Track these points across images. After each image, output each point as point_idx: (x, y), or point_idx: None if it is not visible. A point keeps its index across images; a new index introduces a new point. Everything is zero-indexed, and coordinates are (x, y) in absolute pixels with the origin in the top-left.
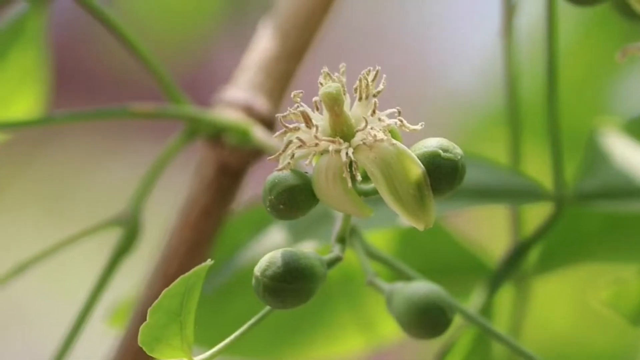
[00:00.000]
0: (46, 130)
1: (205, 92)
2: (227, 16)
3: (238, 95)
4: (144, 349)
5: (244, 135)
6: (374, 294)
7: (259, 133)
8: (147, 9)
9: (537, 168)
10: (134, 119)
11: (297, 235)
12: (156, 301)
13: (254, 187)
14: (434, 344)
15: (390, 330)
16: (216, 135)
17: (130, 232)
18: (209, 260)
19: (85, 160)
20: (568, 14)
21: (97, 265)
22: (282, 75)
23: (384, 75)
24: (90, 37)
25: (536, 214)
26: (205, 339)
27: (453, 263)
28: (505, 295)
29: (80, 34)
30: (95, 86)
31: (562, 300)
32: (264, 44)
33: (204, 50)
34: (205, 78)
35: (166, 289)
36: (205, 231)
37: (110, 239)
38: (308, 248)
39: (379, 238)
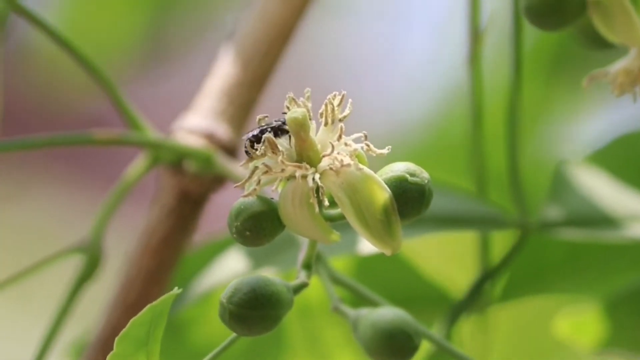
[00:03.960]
0: None
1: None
2: (144, 51)
3: (199, 122)
4: None
5: (205, 162)
6: (332, 324)
7: (220, 160)
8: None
9: (504, 199)
10: (96, 145)
11: (257, 261)
12: (123, 330)
13: (215, 215)
14: None
15: None
16: (177, 162)
17: (92, 259)
18: (176, 288)
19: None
20: (533, 37)
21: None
22: (244, 102)
23: (350, 100)
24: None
25: (506, 243)
26: None
27: (414, 292)
28: (469, 324)
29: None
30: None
31: (525, 330)
32: (225, 70)
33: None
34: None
35: (134, 318)
36: (165, 259)
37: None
38: (269, 274)
39: (339, 266)
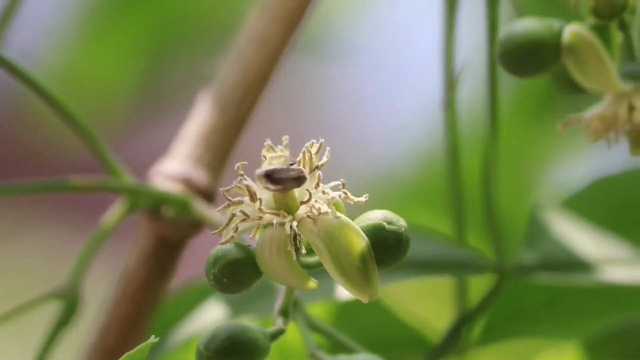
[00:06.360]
0: None
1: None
2: (139, 100)
3: (176, 168)
4: None
5: (182, 207)
6: None
7: (198, 205)
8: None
9: (482, 241)
10: (74, 191)
11: (235, 308)
12: None
13: (192, 260)
14: None
15: None
16: (155, 207)
17: (69, 305)
18: (153, 336)
19: None
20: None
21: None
22: (222, 148)
23: (327, 148)
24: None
25: (484, 286)
26: None
27: (392, 337)
28: None
29: None
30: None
31: None
32: (202, 115)
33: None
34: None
35: None
36: (143, 304)
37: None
38: (247, 321)
39: (316, 311)
